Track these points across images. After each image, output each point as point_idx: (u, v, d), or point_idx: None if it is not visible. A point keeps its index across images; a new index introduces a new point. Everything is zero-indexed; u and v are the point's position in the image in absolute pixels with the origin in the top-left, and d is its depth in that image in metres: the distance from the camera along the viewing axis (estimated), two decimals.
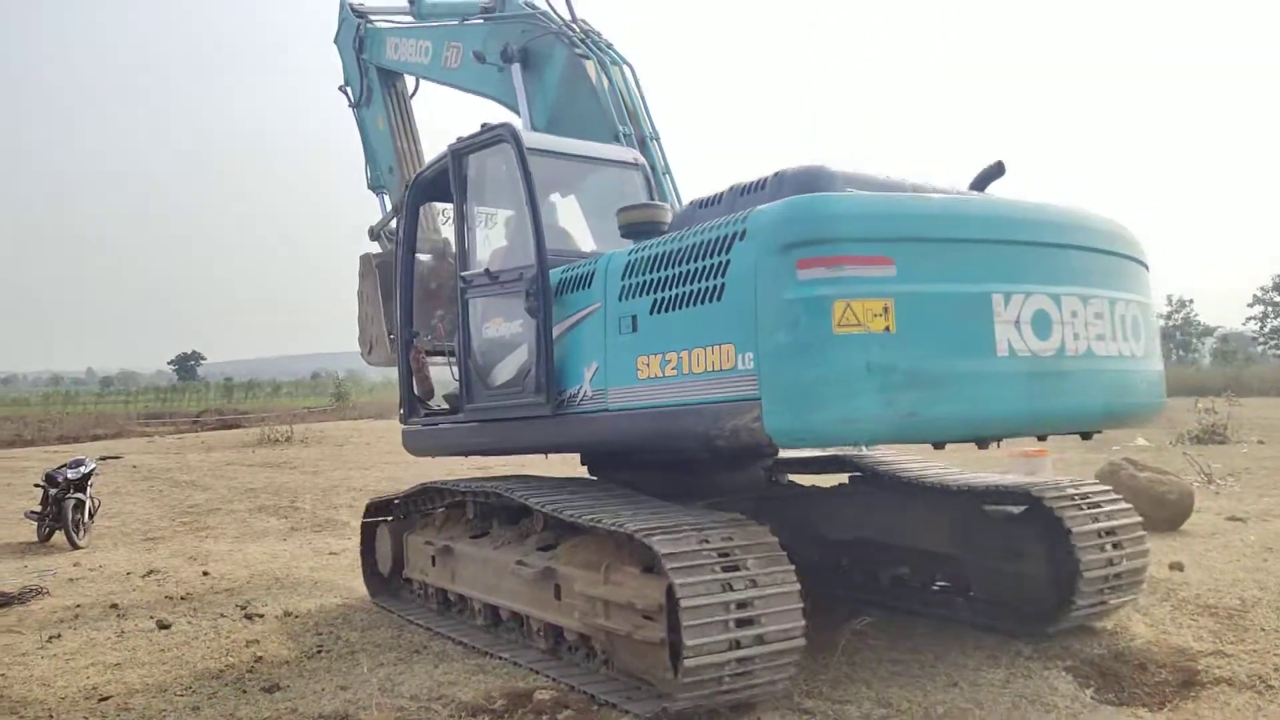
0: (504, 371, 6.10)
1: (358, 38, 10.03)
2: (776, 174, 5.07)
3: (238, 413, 45.11)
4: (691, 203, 5.77)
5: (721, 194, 5.45)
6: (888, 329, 4.15)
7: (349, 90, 10.33)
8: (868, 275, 4.20)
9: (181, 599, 7.89)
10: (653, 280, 4.94)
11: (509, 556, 5.70)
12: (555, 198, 6.89)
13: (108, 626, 7.01)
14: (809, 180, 4.82)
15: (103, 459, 13.18)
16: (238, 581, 8.52)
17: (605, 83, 7.45)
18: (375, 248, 9.51)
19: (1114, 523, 5.56)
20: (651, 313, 4.92)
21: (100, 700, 5.20)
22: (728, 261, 4.48)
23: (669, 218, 5.55)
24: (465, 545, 6.33)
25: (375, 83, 9.93)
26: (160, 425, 39.96)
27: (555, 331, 5.57)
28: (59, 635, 6.83)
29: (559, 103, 7.62)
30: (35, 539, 11.52)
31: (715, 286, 4.55)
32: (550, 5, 7.86)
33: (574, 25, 7.75)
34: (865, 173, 5.03)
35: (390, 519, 7.43)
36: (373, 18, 9.94)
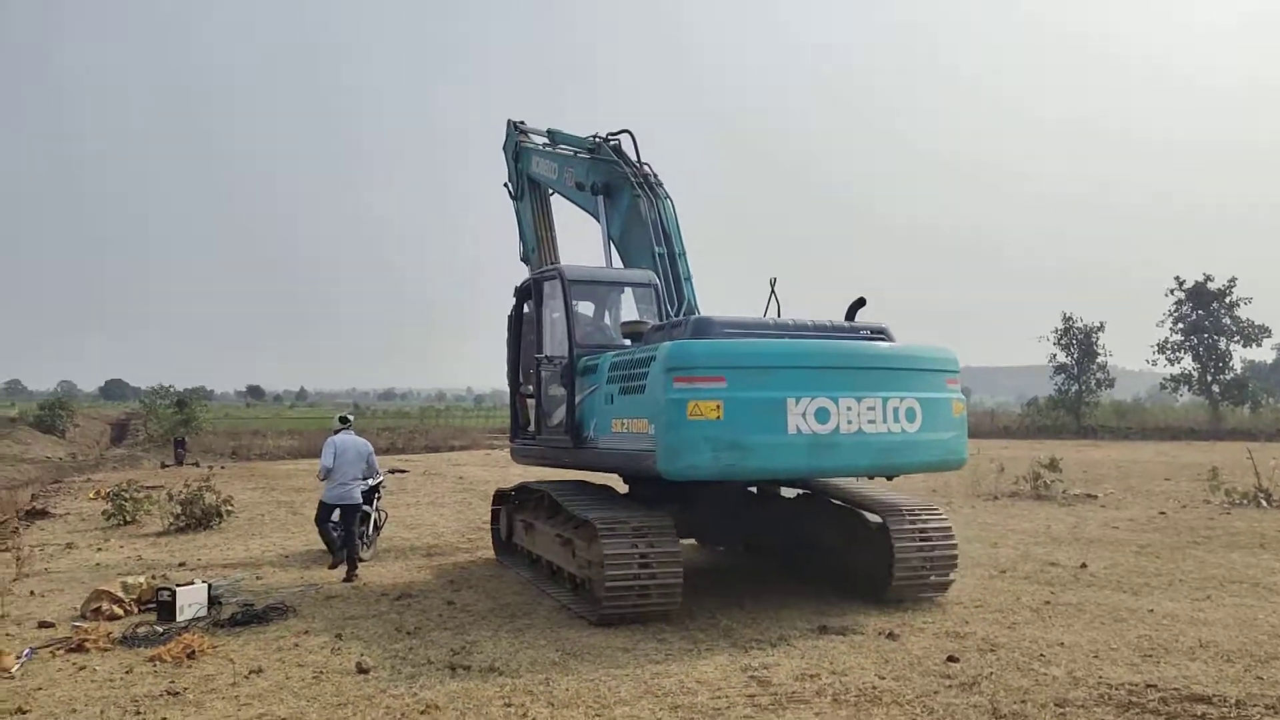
0: (555, 417, 9.76)
1: (514, 150, 13.69)
2: (687, 318, 8.63)
3: None
4: (653, 325, 9.08)
5: (664, 324, 8.91)
6: (719, 417, 7.42)
7: (509, 186, 13.88)
8: (709, 387, 7.48)
9: (409, 634, 7.90)
10: (620, 375, 8.41)
11: (555, 530, 9.29)
12: (595, 305, 10.53)
13: (313, 662, 7.19)
14: (701, 325, 8.15)
15: (391, 472, 13.02)
16: (478, 614, 8.62)
17: (653, 213, 10.95)
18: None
19: (928, 527, 8.65)
20: (619, 394, 8.37)
21: None
22: (647, 372, 7.86)
23: (647, 329, 9.07)
24: (540, 523, 9.86)
25: (525, 185, 13.52)
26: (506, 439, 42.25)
27: (579, 397, 9.17)
28: (260, 669, 6.35)
29: (625, 224, 11.27)
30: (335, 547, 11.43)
31: (641, 385, 7.93)
32: (623, 153, 11.61)
33: (639, 168, 11.37)
34: (740, 317, 8.41)
35: (507, 504, 11.37)
36: (531, 136, 13.61)
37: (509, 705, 5.82)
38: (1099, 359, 49.20)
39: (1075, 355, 49.20)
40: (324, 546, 11.87)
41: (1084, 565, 10.55)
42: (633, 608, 7.79)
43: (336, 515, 10.81)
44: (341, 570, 10.38)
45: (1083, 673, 6.50)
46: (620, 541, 7.79)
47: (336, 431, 10.97)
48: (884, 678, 6.38)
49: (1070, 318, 49.80)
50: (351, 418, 11.49)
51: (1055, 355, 49.90)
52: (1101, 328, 49.23)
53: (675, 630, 7.67)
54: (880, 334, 8.67)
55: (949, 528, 8.85)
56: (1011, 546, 11.91)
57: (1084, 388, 48.78)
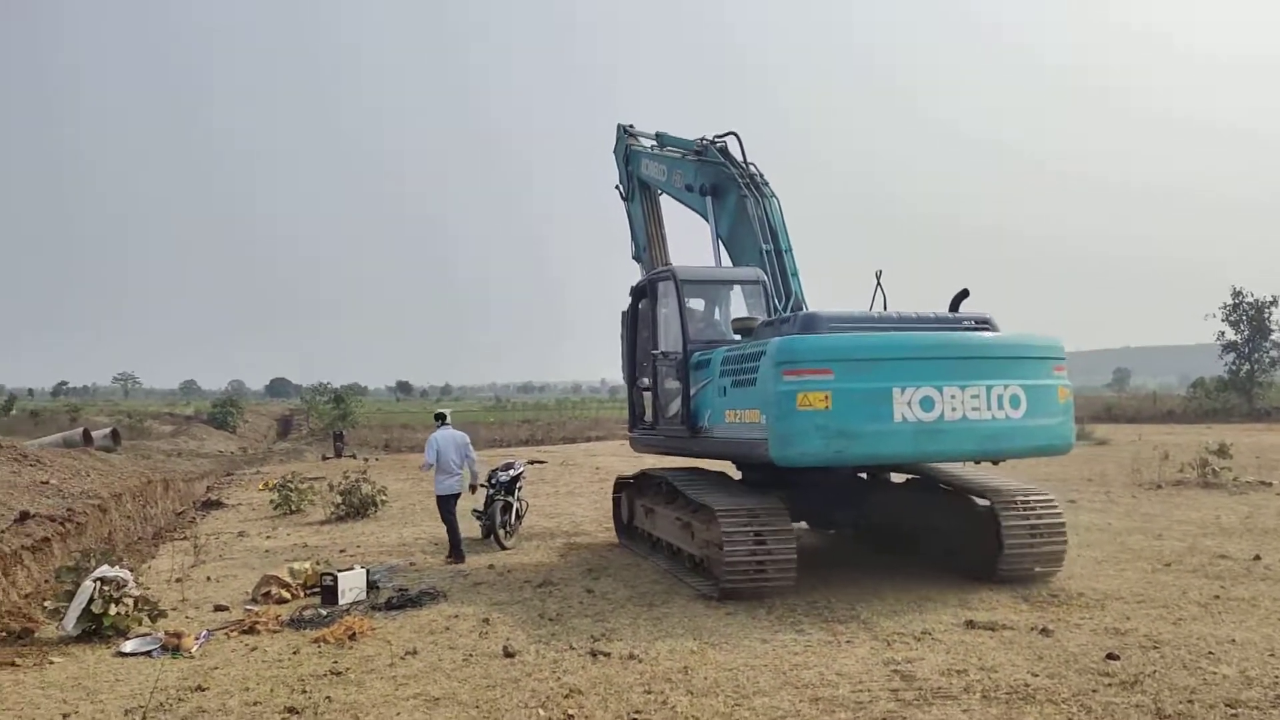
0: (671, 409, 10.36)
1: (624, 153, 14.29)
2: (795, 314, 9.17)
3: None
4: (762, 322, 9.55)
5: (773, 320, 9.40)
6: (827, 407, 7.88)
7: (620, 188, 14.48)
8: (817, 380, 7.94)
9: (551, 620, 8.12)
10: (732, 369, 8.94)
11: (675, 514, 9.90)
12: (705, 301, 11.06)
13: (463, 645, 7.46)
14: (808, 321, 8.60)
15: (531, 463, 13.38)
16: (616, 601, 8.75)
17: (759, 212, 11.33)
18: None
19: (1039, 519, 8.86)
20: (731, 387, 8.90)
21: None
22: (757, 366, 8.37)
23: (757, 325, 9.46)
24: (660, 507, 10.51)
25: (636, 186, 14.05)
26: None
27: (693, 389, 9.77)
28: (415, 651, 6.62)
29: (732, 223, 11.70)
30: (481, 536, 11.84)
31: (752, 378, 8.45)
32: (730, 155, 12.00)
33: (746, 168, 11.79)
34: (847, 312, 8.82)
35: (627, 491, 12.10)
36: (640, 139, 14.17)
37: (649, 692, 5.90)
38: (1273, 335, 45.47)
39: (1246, 332, 45.60)
40: (476, 533, 12.34)
41: (1258, 557, 9.86)
42: (750, 583, 8.31)
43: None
44: (490, 557, 10.79)
45: (1256, 672, 6.04)
46: (737, 522, 8.34)
47: (437, 428, 11.69)
48: (1037, 675, 6.08)
49: (1240, 292, 46.22)
50: (448, 412, 12.28)
51: (1224, 333, 46.53)
52: (1275, 302, 45.48)
53: (813, 622, 7.60)
54: (984, 324, 8.96)
55: (1056, 507, 9.06)
56: (1177, 538, 11.22)
57: (1256, 367, 45.19)
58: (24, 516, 11.21)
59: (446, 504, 11.40)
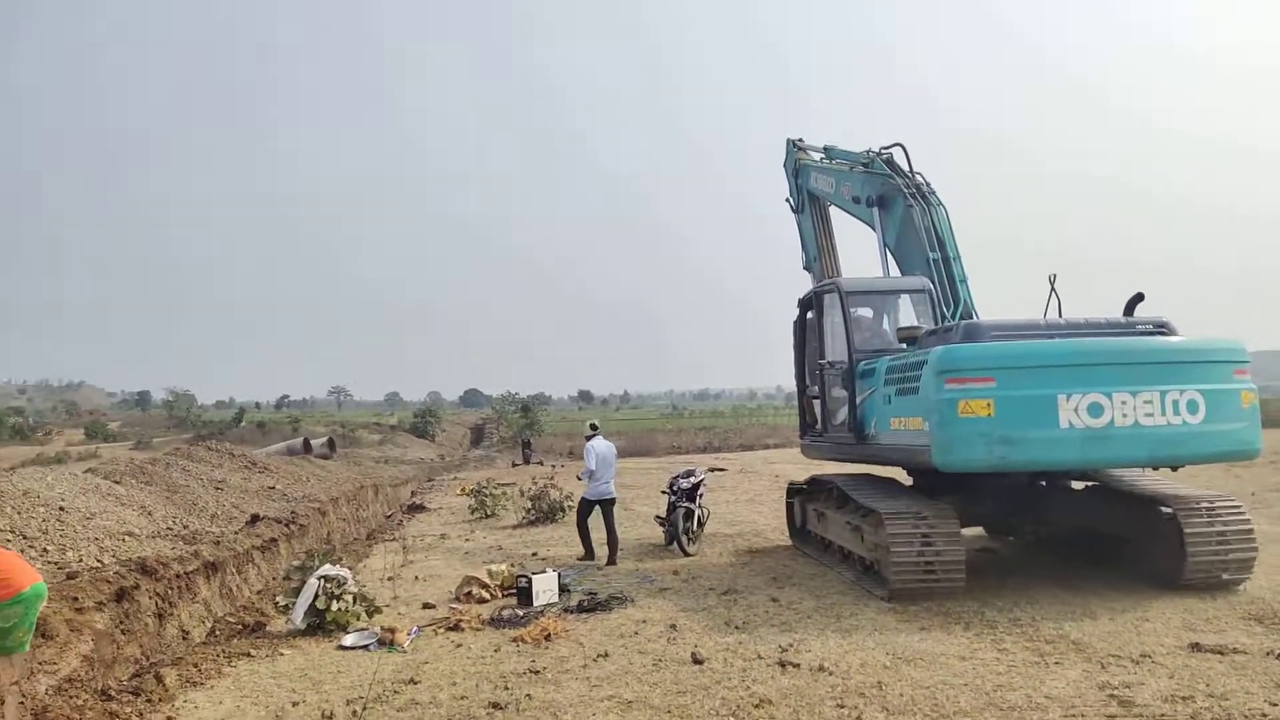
0: (839, 416, 10.65)
1: (794, 167, 14.49)
2: (958, 323, 9.33)
3: None
4: (926, 331, 9.74)
5: (936, 329, 9.57)
6: (990, 414, 8.04)
7: (790, 201, 14.75)
8: (979, 387, 8.11)
9: (738, 629, 8.09)
10: (896, 378, 9.18)
11: (845, 518, 10.06)
12: (873, 311, 11.16)
13: (652, 650, 7.53)
14: (970, 331, 8.77)
15: (711, 470, 13.36)
16: (803, 612, 8.60)
17: (926, 221, 11.39)
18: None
19: (1226, 528, 8.53)
20: (896, 395, 9.13)
21: None
22: (920, 375, 8.62)
23: (921, 333, 9.64)
24: (831, 511, 10.72)
25: (805, 199, 14.27)
26: None
27: (859, 397, 10.00)
28: (607, 654, 6.69)
29: (900, 232, 11.74)
30: (664, 542, 11.99)
31: (915, 386, 8.69)
32: (896, 165, 12.07)
33: (912, 179, 11.84)
34: (1010, 320, 8.95)
35: (799, 496, 12.28)
36: (809, 153, 14.38)
37: (841, 706, 5.76)
38: None
39: None
40: (659, 539, 12.48)
41: None
42: (919, 584, 8.50)
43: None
44: (674, 563, 10.87)
45: None
46: (904, 526, 8.56)
47: (590, 437, 12.27)
48: (1276, 704, 5.57)
49: None
50: (598, 424, 12.89)
51: None
52: None
53: (1016, 640, 7.21)
54: (1162, 328, 8.84)
55: (1244, 515, 8.75)
56: None
57: None
58: (254, 519, 12.35)
59: (599, 508, 11.96)
